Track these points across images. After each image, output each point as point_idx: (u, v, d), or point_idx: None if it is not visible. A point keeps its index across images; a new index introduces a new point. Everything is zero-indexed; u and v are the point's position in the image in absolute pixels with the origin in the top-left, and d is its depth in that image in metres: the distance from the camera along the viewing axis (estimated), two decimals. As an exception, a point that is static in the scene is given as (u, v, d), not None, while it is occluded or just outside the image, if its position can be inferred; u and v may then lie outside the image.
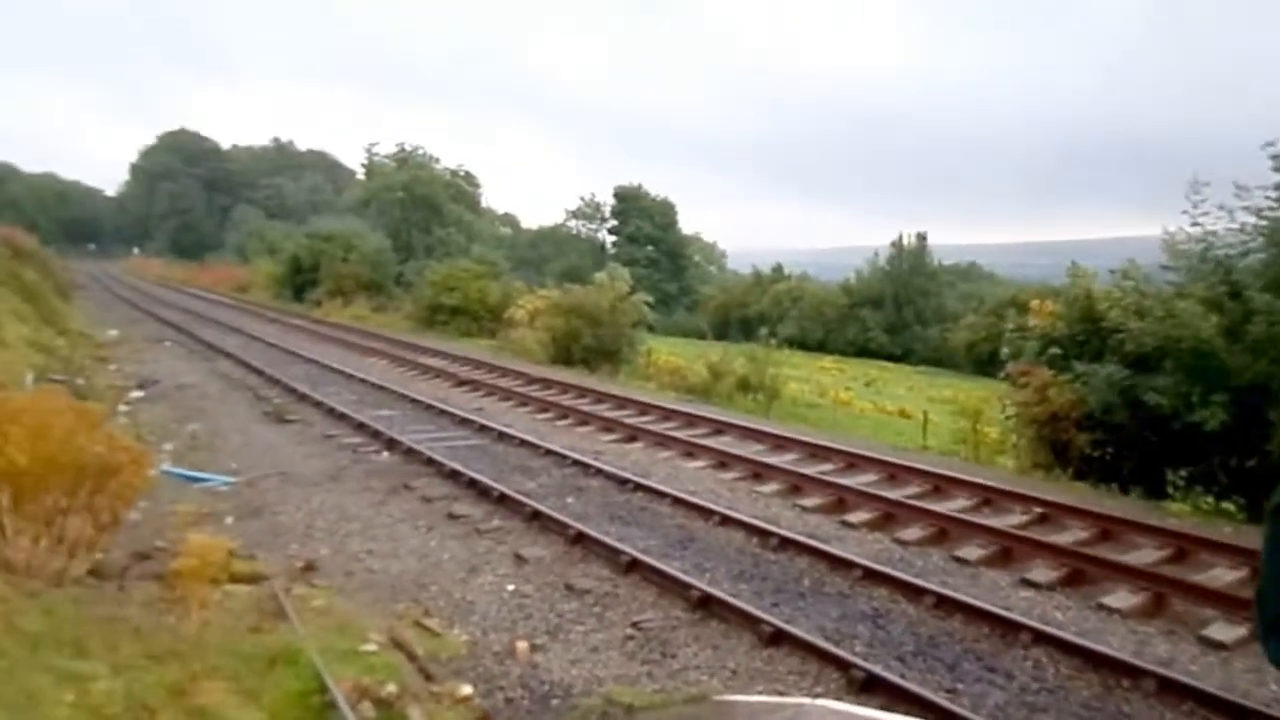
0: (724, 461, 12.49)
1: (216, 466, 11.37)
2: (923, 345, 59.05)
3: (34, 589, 4.96)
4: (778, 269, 72.69)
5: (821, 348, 57.75)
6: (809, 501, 10.58)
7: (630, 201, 71.66)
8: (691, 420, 15.55)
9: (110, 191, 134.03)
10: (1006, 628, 6.88)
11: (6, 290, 22.31)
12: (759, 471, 11.90)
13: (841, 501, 10.55)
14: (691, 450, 13.16)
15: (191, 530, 8.36)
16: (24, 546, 5.37)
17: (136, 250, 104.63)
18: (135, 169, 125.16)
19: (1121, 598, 7.66)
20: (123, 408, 14.71)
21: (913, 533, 9.41)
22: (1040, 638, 6.67)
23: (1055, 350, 14.44)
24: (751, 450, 13.26)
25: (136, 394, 16.45)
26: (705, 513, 9.80)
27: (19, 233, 38.46)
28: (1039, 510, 10.17)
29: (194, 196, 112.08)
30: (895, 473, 11.92)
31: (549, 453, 12.57)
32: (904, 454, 14.39)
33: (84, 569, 5.97)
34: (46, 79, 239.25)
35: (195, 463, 11.46)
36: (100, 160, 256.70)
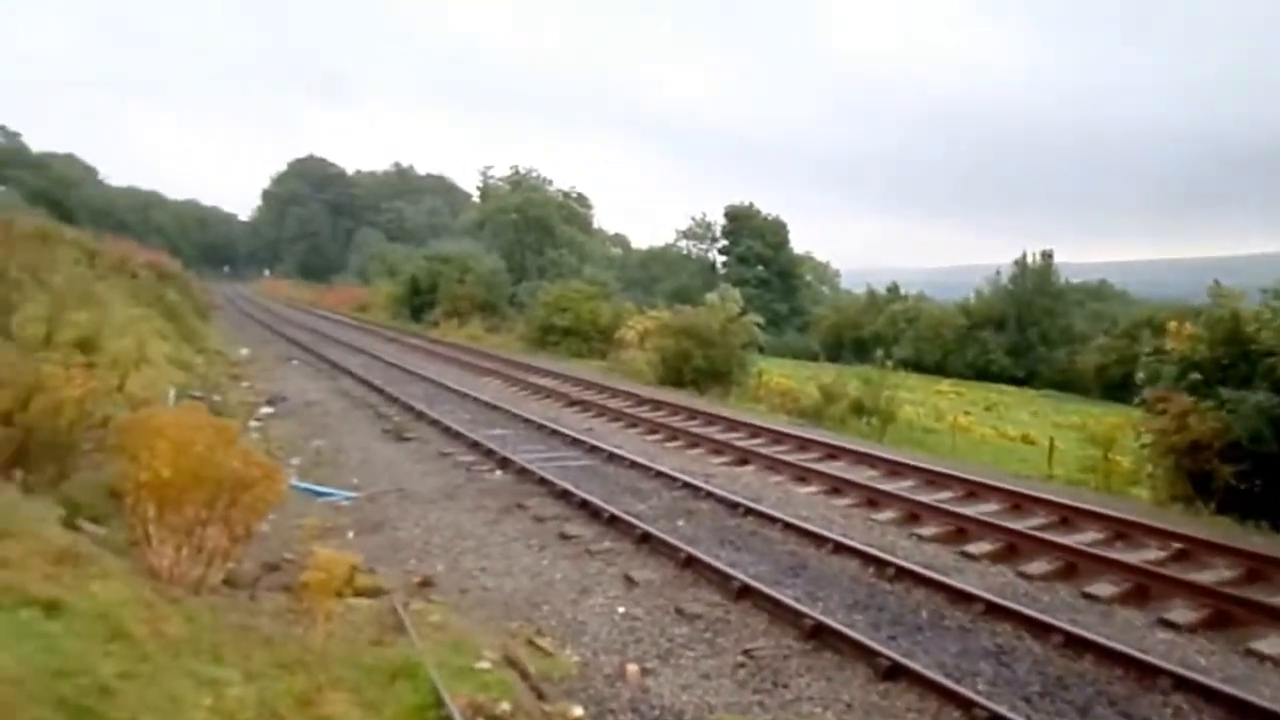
0: (837, 487, 12.27)
1: (339, 482, 11.87)
2: (1048, 368, 56.66)
3: (175, 596, 5.27)
4: (893, 289, 71.19)
5: (939, 370, 56.10)
6: (927, 530, 10.28)
7: (741, 221, 71.49)
8: (804, 444, 15.34)
9: (244, 216, 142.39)
10: (1143, 671, 6.51)
11: (152, 311, 23.90)
12: (874, 498, 11.63)
13: (961, 531, 10.21)
14: (804, 475, 12.98)
15: (316, 543, 8.75)
16: (168, 555, 5.72)
17: (267, 272, 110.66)
18: (267, 195, 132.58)
19: (1273, 644, 7.14)
20: (254, 423, 15.52)
21: (1039, 566, 9.02)
22: (1181, 683, 6.28)
23: (1196, 375, 13.63)
24: (865, 476, 12.99)
25: (266, 410, 17.34)
26: (818, 539, 9.64)
27: (164, 256, 41.17)
28: (1178, 546, 9.60)
29: (320, 220, 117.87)
30: (1019, 502, 11.47)
31: (659, 475, 12.61)
32: (1028, 483, 13.83)
33: (219, 578, 6.31)
34: (190, 111, 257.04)
35: (320, 478, 11.99)
36: (236, 186, 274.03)
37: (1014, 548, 9.59)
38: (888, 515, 10.96)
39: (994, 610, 7.64)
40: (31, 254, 13.76)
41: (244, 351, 28.63)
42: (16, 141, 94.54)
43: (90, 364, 9.56)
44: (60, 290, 12.96)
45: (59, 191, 78.34)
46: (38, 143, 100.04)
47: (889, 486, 12.16)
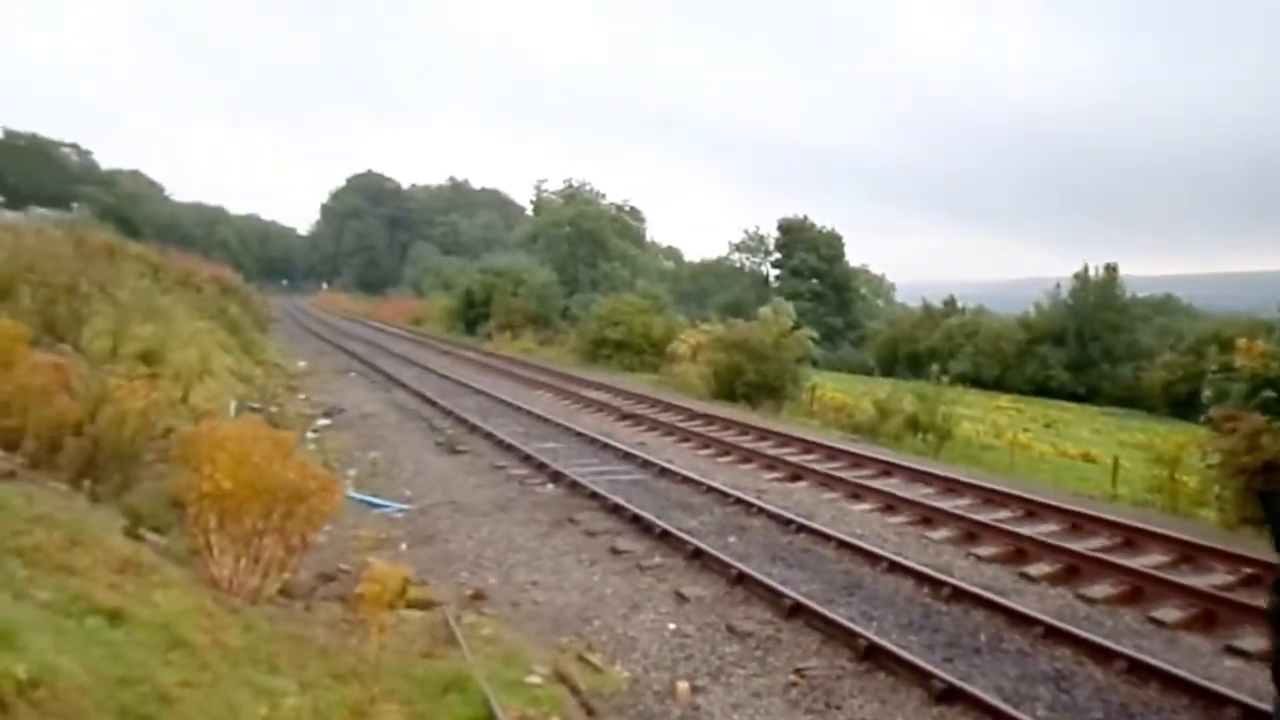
0: (892, 505, 12.10)
1: (393, 493, 12.04)
2: (1111, 384, 55.21)
3: (234, 606, 5.39)
4: (950, 302, 70.12)
5: (998, 386, 54.99)
6: (984, 550, 10.08)
7: (795, 234, 71.10)
8: (858, 460, 15.17)
9: (303, 230, 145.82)
10: (1210, 700, 6.29)
11: (215, 324, 24.56)
12: (929, 516, 11.45)
13: (1020, 552, 9.99)
14: (858, 492, 12.83)
15: (370, 554, 8.88)
16: (227, 565, 5.85)
17: (325, 285, 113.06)
18: (326, 209, 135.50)
19: (1353, 675, 6.84)
20: (311, 434, 15.83)
21: (1101, 589, 8.78)
22: (1250, 714, 6.06)
23: (1269, 393, 13.19)
24: (921, 493, 12.79)
25: (324, 421, 17.68)
26: (872, 558, 9.51)
27: (226, 270, 42.32)
28: (1248, 570, 9.27)
29: (377, 234, 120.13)
30: (1080, 522, 11.19)
31: (711, 490, 12.56)
32: (1090, 502, 13.49)
33: (275, 588, 6.44)
34: (253, 129, 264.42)
35: (374, 489, 12.18)
36: (296, 201, 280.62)
37: (1075, 570, 9.36)
38: (944, 534, 10.78)
39: (1054, 634, 7.45)
40: (100, 269, 14.23)
41: (301, 363, 29.25)
42: (88, 160, 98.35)
43: (154, 376, 9.86)
44: (126, 304, 13.39)
45: (126, 207, 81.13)
46: (107, 160, 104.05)
47: (945, 504, 11.95)
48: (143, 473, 7.65)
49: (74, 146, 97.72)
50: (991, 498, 12.49)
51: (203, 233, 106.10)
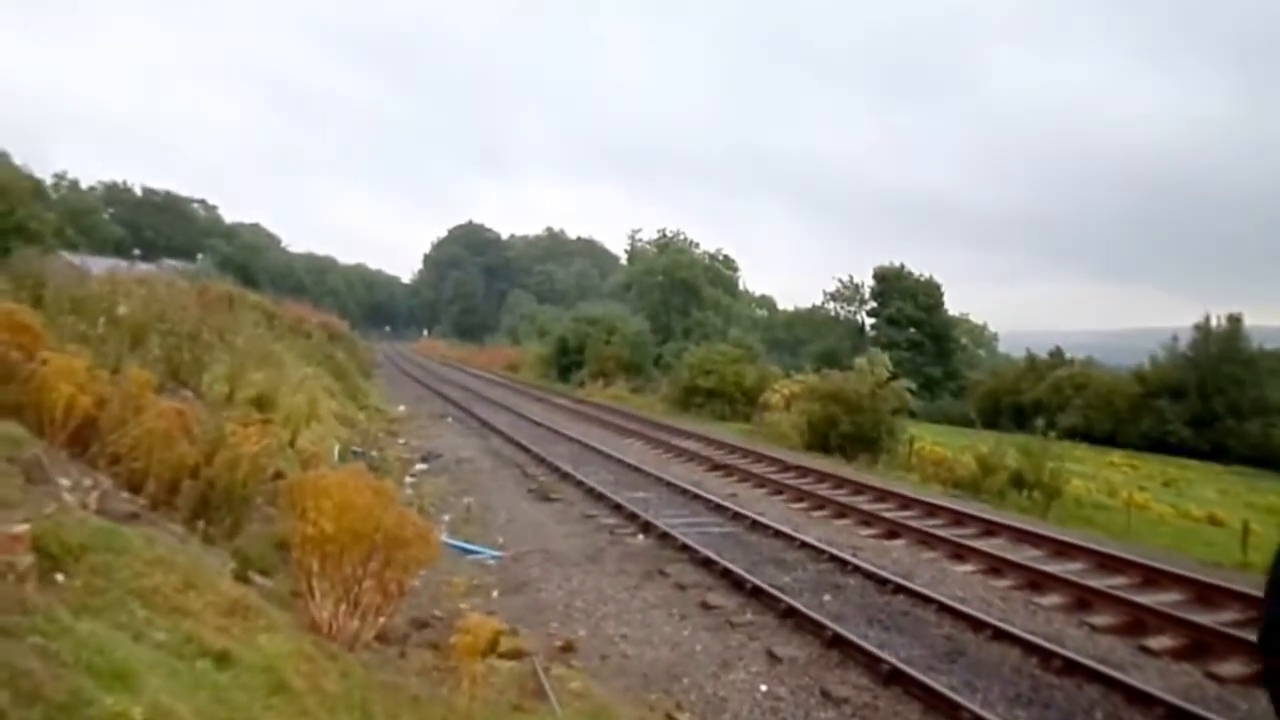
0: (996, 567, 11.63)
1: (486, 540, 12.21)
2: (1238, 442, 52.06)
3: (333, 651, 5.51)
4: (1056, 353, 67.69)
5: (1110, 441, 52.54)
6: (1098, 620, 9.58)
7: (891, 282, 70.00)
8: (959, 518, 14.68)
9: (406, 279, 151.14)
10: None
11: (322, 370, 25.53)
12: (1037, 580, 10.95)
13: (1139, 623, 9.45)
14: (959, 552, 12.39)
15: (463, 601, 9.01)
16: (328, 609, 6.00)
17: (425, 332, 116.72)
18: (427, 259, 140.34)
19: None
20: (409, 479, 16.22)
21: (1232, 668, 8.22)
22: None
23: None
24: (1028, 556, 12.27)
25: (421, 466, 18.11)
26: (976, 624, 9.13)
27: (334, 318, 44.11)
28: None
29: (475, 283, 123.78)
30: (1206, 593, 10.53)
31: (804, 545, 12.33)
32: (1217, 571, 12.70)
33: (372, 633, 6.57)
34: (361, 181, 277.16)
35: (468, 535, 12.37)
36: (400, 251, 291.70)
37: (1202, 645, 8.79)
38: (1054, 600, 10.29)
39: (1178, 715, 6.98)
40: (220, 317, 15.01)
41: (401, 408, 30.09)
42: (214, 214, 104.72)
43: (266, 421, 10.26)
44: (242, 351, 14.04)
45: (246, 258, 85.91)
46: (231, 214, 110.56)
47: (1055, 568, 11.42)
48: (252, 515, 7.95)
49: (202, 202, 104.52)
50: (1106, 562, 11.88)
51: (313, 280, 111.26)
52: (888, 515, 14.58)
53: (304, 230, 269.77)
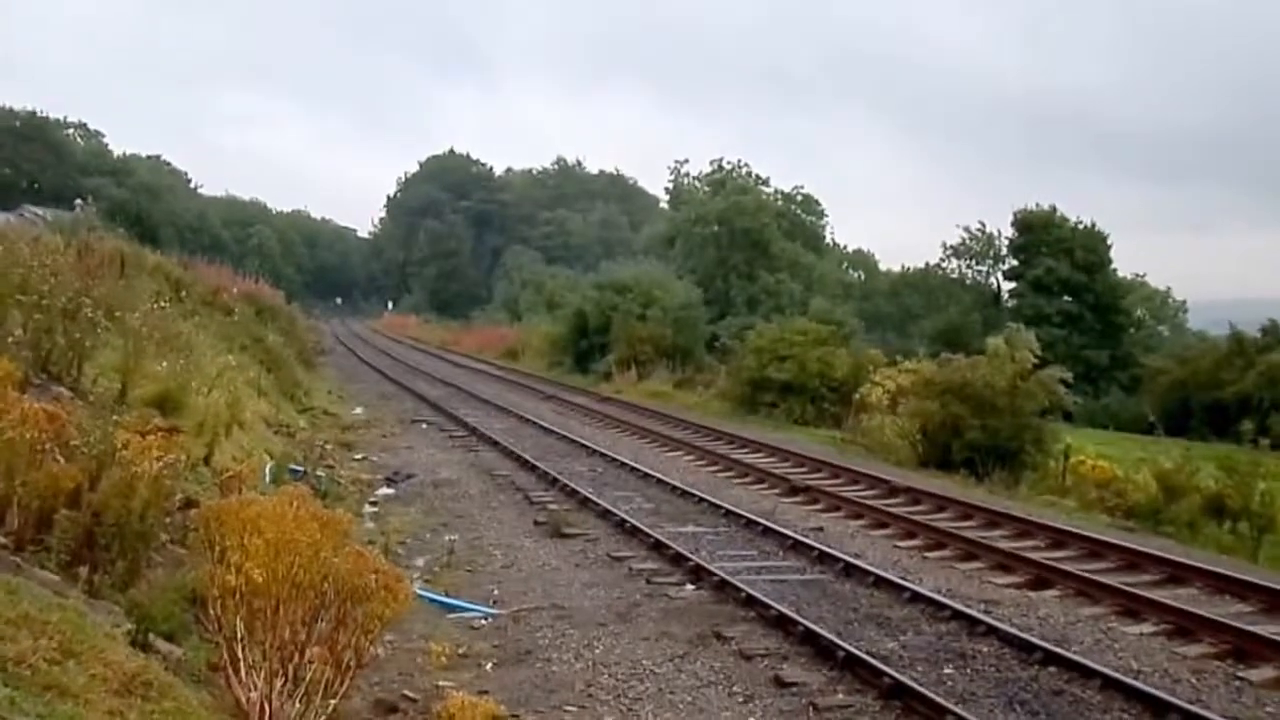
0: (1186, 627, 11.51)
1: (476, 592, 12.29)
2: None
3: (266, 745, 5.58)
4: (1271, 329, 66.68)
5: (1349, 452, 51.79)
6: (1333, 703, 9.43)
7: (1038, 233, 69.18)
8: (1133, 560, 14.55)
9: (363, 232, 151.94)
10: None
11: (248, 358, 25.79)
12: (1244, 646, 10.81)
13: (1391, 707, 9.30)
14: (1134, 606, 12.28)
15: (444, 676, 9.07)
16: (258, 687, 6.06)
17: (390, 305, 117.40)
18: (392, 204, 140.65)
19: None
20: (369, 508, 16.38)
21: None
22: None
23: None
24: (1230, 611, 12.15)
25: (385, 491, 18.26)
26: (1158, 706, 9.03)
27: (264, 287, 44.41)
28: None
29: (459, 236, 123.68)
30: None
31: (916, 598, 12.30)
32: None
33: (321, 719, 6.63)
34: (299, 101, 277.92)
35: (451, 585, 12.47)
36: (354, 193, 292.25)
37: None
38: (1267, 674, 10.15)
39: None
40: (108, 286, 15.19)
41: (358, 411, 30.38)
42: (97, 143, 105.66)
43: (172, 429, 10.39)
44: (139, 332, 14.20)
45: (143, 204, 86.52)
46: (120, 144, 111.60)
47: (1269, 630, 11.27)
48: (154, 558, 8.05)
49: (81, 127, 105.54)
50: (1343, 622, 11.72)
51: (235, 235, 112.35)
52: (1033, 557, 14.50)
53: (220, 166, 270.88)
